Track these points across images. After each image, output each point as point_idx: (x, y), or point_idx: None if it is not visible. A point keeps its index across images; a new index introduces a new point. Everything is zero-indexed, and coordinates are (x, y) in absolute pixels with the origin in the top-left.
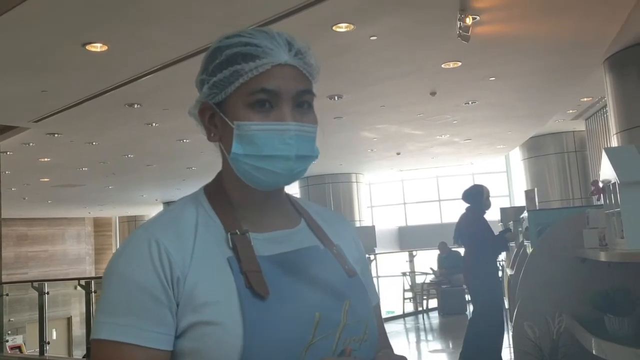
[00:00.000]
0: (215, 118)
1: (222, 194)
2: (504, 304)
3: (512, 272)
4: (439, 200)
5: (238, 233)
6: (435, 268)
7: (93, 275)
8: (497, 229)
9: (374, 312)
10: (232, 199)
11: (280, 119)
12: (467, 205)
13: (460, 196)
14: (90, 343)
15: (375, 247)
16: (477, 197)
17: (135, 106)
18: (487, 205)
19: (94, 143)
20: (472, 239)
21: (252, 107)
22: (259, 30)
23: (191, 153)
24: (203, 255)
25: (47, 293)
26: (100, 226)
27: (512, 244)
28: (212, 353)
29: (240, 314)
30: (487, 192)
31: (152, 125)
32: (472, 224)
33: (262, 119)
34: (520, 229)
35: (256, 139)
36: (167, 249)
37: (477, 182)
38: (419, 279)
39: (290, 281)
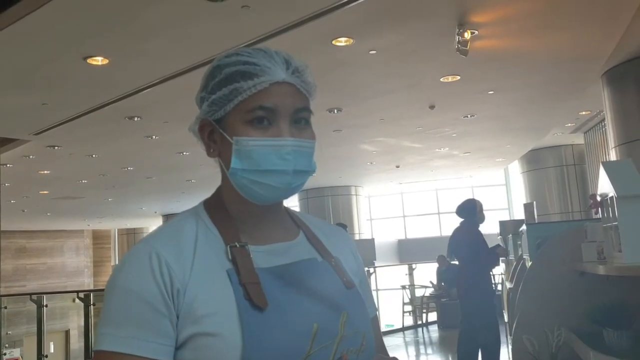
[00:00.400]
0: (214, 134)
1: (221, 208)
2: (502, 317)
3: (511, 285)
4: (439, 213)
5: (237, 245)
6: (435, 281)
7: (92, 287)
8: (494, 242)
9: (371, 323)
10: (232, 212)
11: (278, 135)
12: (461, 219)
13: (455, 211)
14: (91, 355)
15: (375, 260)
16: (470, 211)
17: (136, 119)
18: (481, 218)
19: (94, 156)
20: (467, 252)
21: (250, 124)
22: (257, 49)
23: (190, 166)
24: (203, 268)
25: (46, 306)
26: (99, 239)
27: (512, 257)
28: None
29: (239, 325)
30: (480, 205)
31: (152, 137)
32: (466, 237)
33: (260, 135)
34: (519, 242)
35: (254, 154)
36: (168, 262)
37: (474, 196)
38: (419, 292)
39: (289, 293)
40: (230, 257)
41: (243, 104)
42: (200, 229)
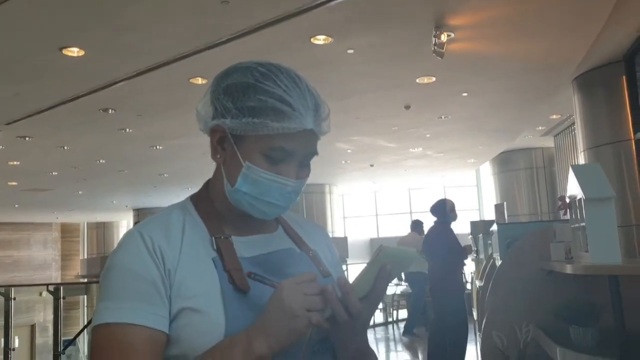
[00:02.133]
0: (225, 142)
1: (208, 202)
2: (472, 315)
3: (482, 284)
4: (411, 213)
5: (222, 237)
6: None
7: (59, 281)
8: (465, 241)
9: None
10: (217, 207)
11: (287, 174)
12: (435, 219)
13: (429, 210)
14: (61, 349)
15: (347, 257)
16: (441, 210)
17: (110, 111)
18: (453, 217)
19: (65, 147)
20: (441, 250)
21: (265, 157)
22: (294, 83)
23: (163, 160)
24: (190, 254)
25: (14, 298)
26: (67, 232)
27: (482, 256)
28: (198, 339)
29: (222, 305)
30: (451, 204)
31: (125, 130)
32: (437, 236)
33: (270, 169)
34: (489, 241)
35: (260, 185)
36: (160, 244)
37: (447, 196)
38: (389, 290)
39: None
40: (215, 247)
41: (266, 137)
42: (187, 220)
